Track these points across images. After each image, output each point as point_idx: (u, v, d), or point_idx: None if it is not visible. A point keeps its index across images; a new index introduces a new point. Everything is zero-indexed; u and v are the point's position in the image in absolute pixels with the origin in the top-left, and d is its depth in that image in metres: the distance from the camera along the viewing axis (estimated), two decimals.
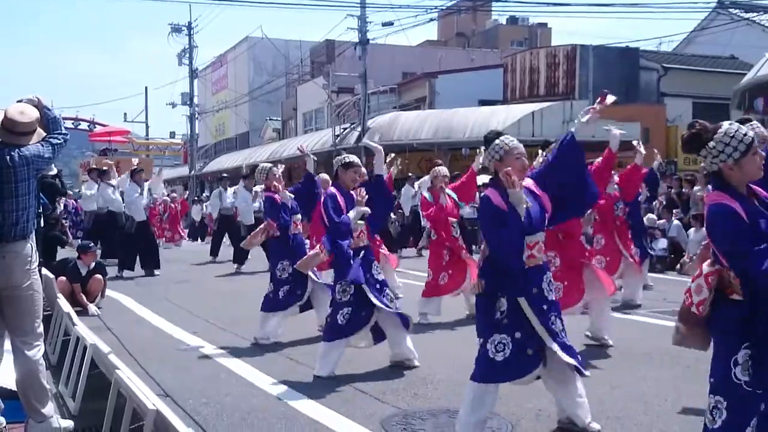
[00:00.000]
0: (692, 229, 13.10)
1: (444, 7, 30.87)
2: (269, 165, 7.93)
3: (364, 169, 6.81)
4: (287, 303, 7.28)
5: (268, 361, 6.52)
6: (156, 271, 13.35)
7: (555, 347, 4.14)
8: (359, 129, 26.60)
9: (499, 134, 4.39)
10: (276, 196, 7.51)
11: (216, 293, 11.25)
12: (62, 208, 19.90)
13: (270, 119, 42.34)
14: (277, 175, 7.61)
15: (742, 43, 25.52)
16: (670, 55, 27.83)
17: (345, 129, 27.87)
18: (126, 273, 13.07)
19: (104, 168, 14.76)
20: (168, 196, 22.02)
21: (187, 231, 25.13)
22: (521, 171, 4.25)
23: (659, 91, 24.85)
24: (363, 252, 6.03)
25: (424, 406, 5.10)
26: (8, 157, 4.30)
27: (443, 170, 8.51)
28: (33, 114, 4.47)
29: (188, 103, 42.57)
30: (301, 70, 41.26)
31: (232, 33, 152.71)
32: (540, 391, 5.02)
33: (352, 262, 5.86)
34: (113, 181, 13.97)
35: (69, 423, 4.60)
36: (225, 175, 17.55)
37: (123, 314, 9.33)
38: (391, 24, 26.70)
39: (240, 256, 13.99)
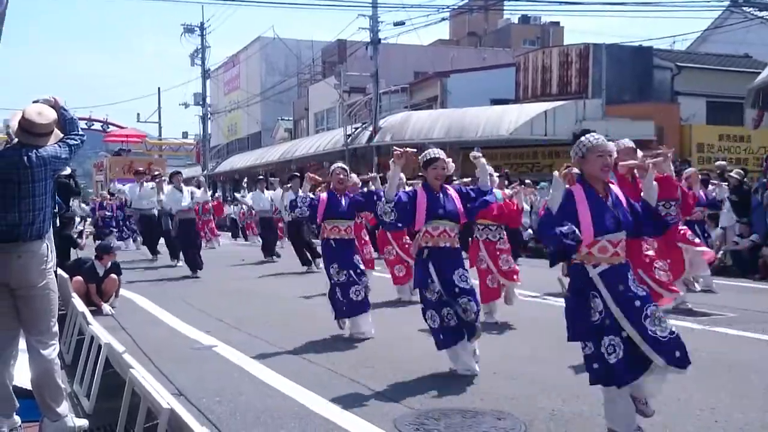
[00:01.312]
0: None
1: (456, 7, 30.80)
2: (336, 165, 8.04)
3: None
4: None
5: (282, 360, 6.53)
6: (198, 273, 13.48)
7: (645, 348, 4.02)
8: (371, 129, 26.62)
9: (586, 132, 4.35)
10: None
11: (230, 293, 11.28)
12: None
13: (282, 119, 42.44)
14: (341, 175, 7.74)
15: (756, 41, 25.35)
16: (684, 53, 27.66)
17: (356, 129, 27.89)
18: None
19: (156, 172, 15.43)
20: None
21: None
22: (602, 169, 4.20)
23: (673, 89, 24.70)
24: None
25: (437, 406, 5.09)
26: (26, 158, 4.33)
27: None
28: (50, 115, 4.49)
29: (201, 103, 42.77)
30: (312, 70, 41.32)
31: (245, 33, 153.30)
32: (554, 391, 5.02)
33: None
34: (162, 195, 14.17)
35: (84, 422, 4.62)
36: (261, 176, 17.82)
37: (137, 314, 9.37)
38: (402, 24, 26.72)
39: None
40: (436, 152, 5.91)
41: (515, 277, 8.36)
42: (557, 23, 42.32)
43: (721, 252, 13.20)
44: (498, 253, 8.30)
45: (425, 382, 5.68)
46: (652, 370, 4.07)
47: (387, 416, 4.90)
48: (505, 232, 8.55)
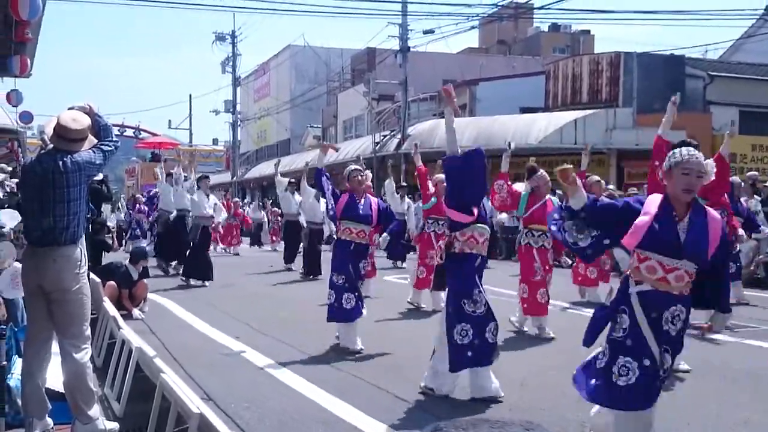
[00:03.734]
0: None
1: (485, 15, 30.70)
2: (351, 167, 7.68)
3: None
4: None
5: (310, 366, 6.55)
6: (206, 282, 12.99)
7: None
8: (399, 136, 26.64)
9: (685, 143, 4.14)
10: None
11: (259, 298, 11.34)
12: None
13: (311, 126, 42.64)
14: (359, 177, 7.48)
15: None
16: (716, 62, 27.34)
17: (385, 136, 27.93)
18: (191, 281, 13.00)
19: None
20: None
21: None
22: (685, 188, 3.78)
23: (705, 99, 24.42)
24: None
25: (464, 416, 5.07)
26: (61, 163, 4.40)
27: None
28: (85, 121, 4.56)
29: (231, 110, 43.13)
30: (342, 77, 41.48)
31: (275, 41, 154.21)
32: (584, 402, 4.97)
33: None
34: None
35: (114, 425, 4.68)
36: (292, 180, 17.32)
37: (167, 318, 9.45)
38: (432, 32, 26.75)
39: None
40: None
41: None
42: (588, 31, 42.13)
43: (754, 264, 13.01)
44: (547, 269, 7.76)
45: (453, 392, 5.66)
46: None
47: (413, 425, 4.89)
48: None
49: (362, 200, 7.41)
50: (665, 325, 3.84)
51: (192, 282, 12.83)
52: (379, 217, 7.46)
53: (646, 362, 3.79)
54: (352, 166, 7.63)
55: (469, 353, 5.31)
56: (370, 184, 8.93)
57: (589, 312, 4.84)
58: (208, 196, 13.47)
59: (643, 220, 3.79)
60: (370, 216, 7.36)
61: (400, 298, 10.39)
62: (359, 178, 7.43)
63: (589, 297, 10.03)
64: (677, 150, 3.91)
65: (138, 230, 20.31)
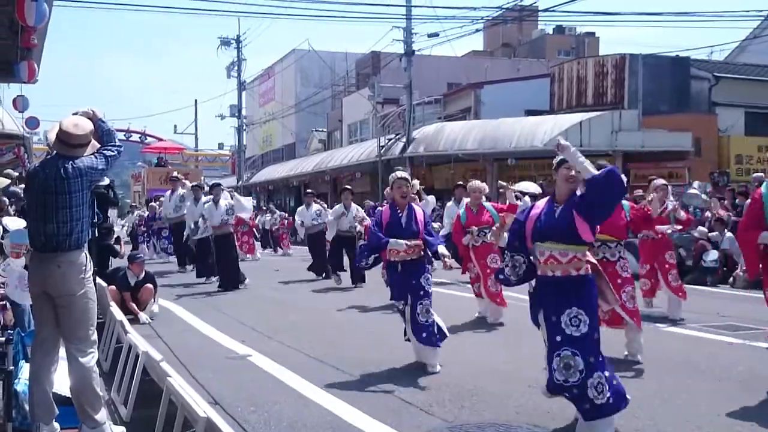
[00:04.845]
0: None
1: (490, 18, 30.68)
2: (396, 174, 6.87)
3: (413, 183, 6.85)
4: None
5: (316, 370, 6.55)
6: (241, 285, 12.91)
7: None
8: (404, 140, 26.65)
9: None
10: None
11: (264, 302, 11.35)
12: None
13: (316, 130, 42.69)
14: (403, 188, 6.67)
15: None
16: (722, 64, 27.30)
17: (390, 140, 27.94)
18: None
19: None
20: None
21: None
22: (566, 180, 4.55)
23: (710, 100, 24.38)
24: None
25: (470, 419, 5.06)
26: (63, 169, 4.40)
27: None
28: (87, 126, 4.57)
29: (236, 115, 43.23)
30: (347, 81, 41.52)
31: (280, 46, 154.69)
32: None
33: None
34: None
35: (121, 429, 4.68)
36: (310, 191, 16.96)
37: (173, 322, 9.46)
38: (436, 35, 26.71)
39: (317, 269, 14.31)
40: None
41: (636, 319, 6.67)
42: (593, 33, 42.10)
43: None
44: (620, 282, 6.58)
45: (460, 395, 5.66)
46: None
47: (420, 428, 4.89)
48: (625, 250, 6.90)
49: (404, 213, 6.58)
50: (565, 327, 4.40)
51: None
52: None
53: None
54: (399, 174, 6.81)
55: None
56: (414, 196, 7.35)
57: None
58: (217, 204, 12.96)
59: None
60: (415, 230, 6.51)
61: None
62: (404, 189, 6.59)
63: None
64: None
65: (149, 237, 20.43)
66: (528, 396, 5.55)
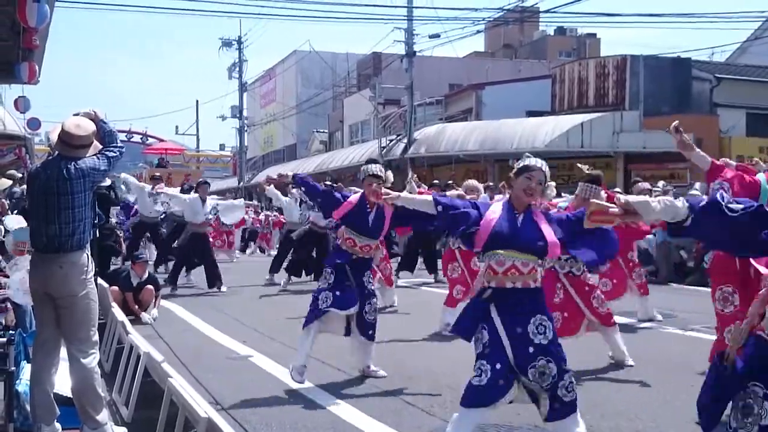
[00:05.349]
0: None
1: (491, 19, 30.72)
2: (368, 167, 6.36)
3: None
4: None
5: (318, 370, 6.54)
6: (223, 288, 12.56)
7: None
8: (405, 141, 26.67)
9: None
10: None
11: (265, 303, 11.35)
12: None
13: (317, 131, 42.72)
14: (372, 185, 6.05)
15: None
16: (723, 65, 27.27)
17: (391, 141, 27.97)
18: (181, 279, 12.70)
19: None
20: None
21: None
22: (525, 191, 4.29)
23: (712, 101, 24.35)
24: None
25: None
26: (65, 170, 4.41)
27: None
28: (89, 127, 4.58)
29: (238, 116, 43.27)
30: (348, 82, 41.54)
31: (281, 47, 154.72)
32: (593, 407, 4.96)
33: None
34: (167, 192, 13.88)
35: (122, 430, 4.70)
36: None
37: (174, 323, 9.47)
38: (438, 36, 26.78)
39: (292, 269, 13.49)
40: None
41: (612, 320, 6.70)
42: (594, 35, 42.03)
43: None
44: (588, 290, 6.58)
45: (461, 395, 5.64)
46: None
47: (422, 429, 4.89)
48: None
49: (373, 211, 6.17)
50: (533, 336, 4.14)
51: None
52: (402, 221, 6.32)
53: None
54: (370, 168, 6.26)
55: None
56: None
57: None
58: (204, 201, 12.68)
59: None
60: (380, 230, 6.24)
61: (406, 304, 10.40)
62: (373, 186, 5.95)
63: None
64: (527, 158, 4.33)
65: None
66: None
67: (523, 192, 4.23)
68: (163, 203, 13.76)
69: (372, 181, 6.04)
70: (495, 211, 4.27)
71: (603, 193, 6.46)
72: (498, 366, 4.01)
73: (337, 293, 6.07)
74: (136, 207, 15.70)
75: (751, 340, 2.80)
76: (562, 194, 12.59)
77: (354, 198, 6.32)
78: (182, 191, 14.05)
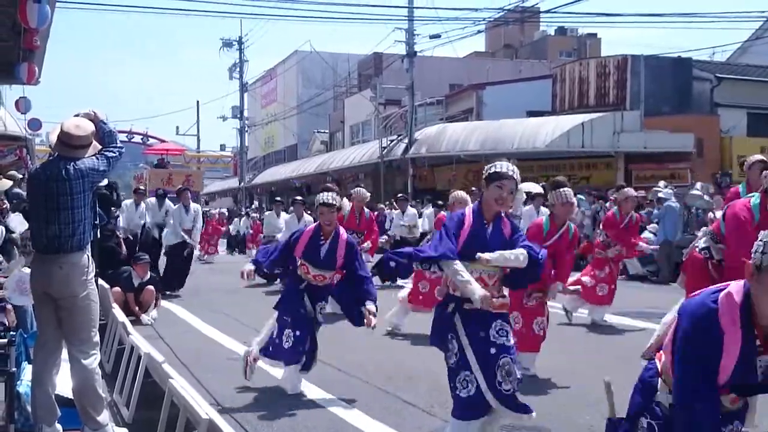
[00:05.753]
0: None
1: (492, 19, 30.70)
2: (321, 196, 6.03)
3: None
4: None
5: (318, 371, 6.53)
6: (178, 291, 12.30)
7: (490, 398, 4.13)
8: (406, 141, 26.67)
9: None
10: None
11: (265, 303, 11.30)
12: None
13: (318, 132, 42.73)
14: (325, 215, 5.98)
15: None
16: (724, 65, 27.27)
17: (392, 141, 27.97)
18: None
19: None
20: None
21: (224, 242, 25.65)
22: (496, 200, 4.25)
23: (712, 101, 24.34)
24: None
25: None
26: (64, 170, 4.41)
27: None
28: (88, 128, 4.57)
29: (238, 116, 43.25)
30: (348, 82, 41.55)
31: (282, 47, 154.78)
32: (593, 406, 4.97)
33: None
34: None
35: (123, 431, 4.69)
36: (278, 198, 16.65)
37: (175, 324, 9.47)
38: (438, 36, 26.75)
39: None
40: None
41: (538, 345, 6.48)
42: (594, 35, 42.01)
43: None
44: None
45: None
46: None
47: (422, 429, 4.90)
48: None
49: (327, 242, 5.91)
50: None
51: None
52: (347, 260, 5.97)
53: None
54: (322, 197, 5.94)
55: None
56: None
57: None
58: (188, 210, 12.48)
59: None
60: (333, 262, 5.93)
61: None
62: (326, 215, 5.89)
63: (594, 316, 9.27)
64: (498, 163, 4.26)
65: None
66: (530, 398, 5.55)
67: (494, 201, 4.20)
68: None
69: (324, 210, 5.88)
70: (468, 220, 4.26)
71: (571, 192, 6.57)
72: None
73: (297, 333, 5.83)
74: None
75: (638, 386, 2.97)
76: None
77: (310, 229, 6.10)
78: (157, 197, 13.72)
